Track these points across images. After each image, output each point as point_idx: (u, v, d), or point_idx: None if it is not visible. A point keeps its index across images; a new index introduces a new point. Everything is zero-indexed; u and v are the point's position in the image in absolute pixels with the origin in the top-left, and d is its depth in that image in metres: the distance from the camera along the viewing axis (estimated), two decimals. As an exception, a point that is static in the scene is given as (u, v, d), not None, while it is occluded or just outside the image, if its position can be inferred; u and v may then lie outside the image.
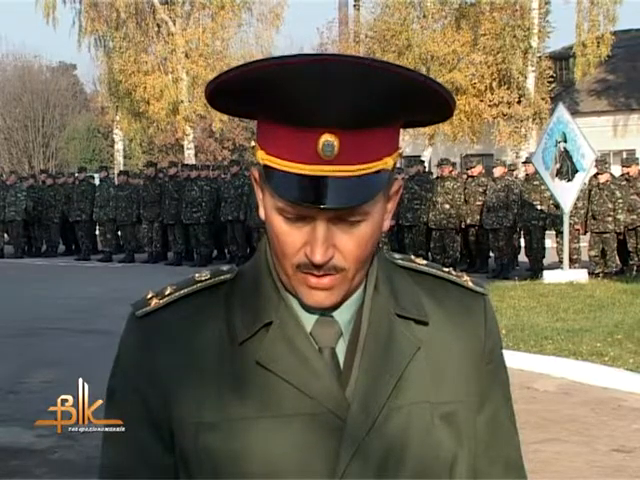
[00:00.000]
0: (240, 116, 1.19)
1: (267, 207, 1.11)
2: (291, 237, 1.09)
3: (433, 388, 1.16)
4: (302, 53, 1.05)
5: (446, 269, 1.26)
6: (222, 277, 1.20)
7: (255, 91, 1.06)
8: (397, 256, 1.25)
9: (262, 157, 1.10)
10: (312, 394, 1.10)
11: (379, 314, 1.15)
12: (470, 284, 1.25)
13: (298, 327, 1.13)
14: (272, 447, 1.10)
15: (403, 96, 1.06)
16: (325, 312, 1.14)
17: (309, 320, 1.14)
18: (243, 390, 1.12)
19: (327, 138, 1.04)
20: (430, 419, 1.15)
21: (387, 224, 1.15)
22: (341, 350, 1.14)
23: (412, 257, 1.26)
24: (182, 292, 1.19)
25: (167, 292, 1.19)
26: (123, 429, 1.18)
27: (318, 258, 1.07)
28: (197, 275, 1.21)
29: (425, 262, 1.26)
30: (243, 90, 1.07)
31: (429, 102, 1.09)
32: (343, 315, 1.15)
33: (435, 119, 1.16)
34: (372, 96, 1.04)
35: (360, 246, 1.10)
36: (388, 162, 1.09)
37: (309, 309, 1.14)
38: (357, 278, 1.13)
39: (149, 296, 1.20)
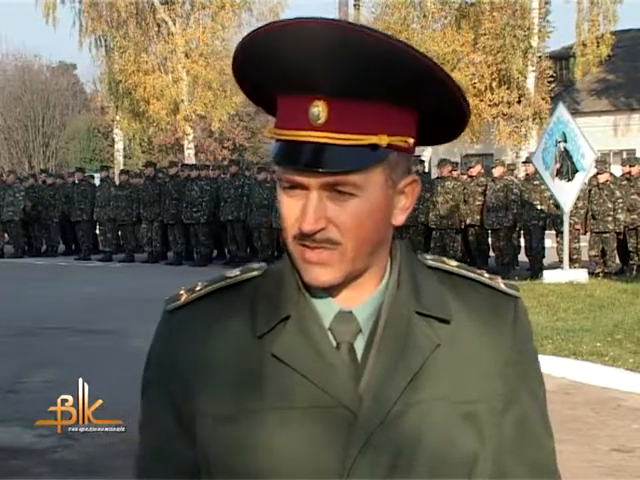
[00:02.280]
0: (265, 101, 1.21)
1: (278, 186, 1.15)
2: (289, 209, 1.12)
3: (453, 386, 1.16)
4: (287, 18, 1.09)
5: (479, 270, 1.27)
6: (250, 274, 1.22)
7: (257, 63, 1.12)
8: (428, 257, 1.26)
9: (270, 131, 1.15)
10: (325, 387, 1.12)
11: (398, 311, 1.16)
12: (502, 286, 1.25)
13: (316, 322, 1.15)
14: (283, 440, 1.12)
15: (386, 64, 1.07)
16: (344, 308, 1.16)
17: (328, 315, 1.16)
18: (259, 383, 1.14)
19: (315, 104, 1.08)
20: (449, 417, 1.15)
21: (400, 219, 1.17)
22: (360, 346, 1.15)
23: (443, 258, 1.27)
24: (211, 287, 1.22)
25: (197, 288, 1.22)
26: (151, 418, 1.22)
27: (306, 226, 1.09)
28: (227, 272, 1.24)
29: (456, 263, 1.26)
30: (250, 65, 1.13)
31: (423, 83, 1.09)
32: (363, 312, 1.16)
33: (448, 114, 1.16)
34: (355, 61, 1.06)
35: (355, 222, 1.11)
36: (383, 139, 1.10)
37: (315, 293, 1.16)
38: (359, 260, 1.13)
39: (180, 292, 1.23)
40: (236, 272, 1.23)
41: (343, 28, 1.06)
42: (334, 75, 1.07)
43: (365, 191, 1.11)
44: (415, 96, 1.11)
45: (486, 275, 1.26)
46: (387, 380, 1.13)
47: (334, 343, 1.15)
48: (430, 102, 1.13)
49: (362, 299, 1.16)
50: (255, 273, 1.22)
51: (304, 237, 1.11)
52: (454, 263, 1.26)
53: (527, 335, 1.25)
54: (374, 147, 1.10)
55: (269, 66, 1.10)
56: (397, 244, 1.21)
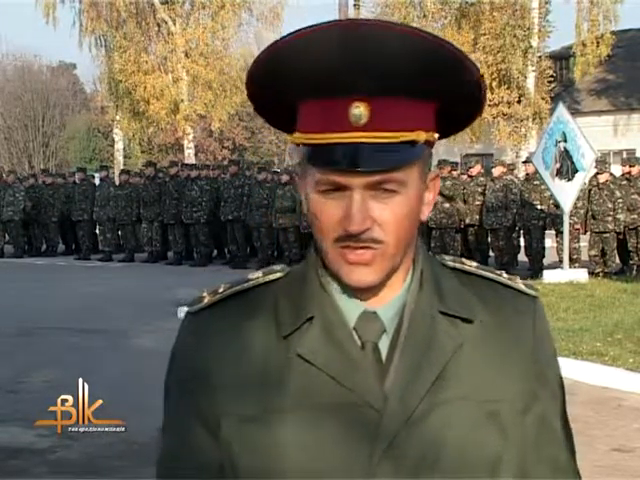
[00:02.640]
0: (281, 116, 1.21)
1: (308, 192, 1.14)
2: (329, 212, 1.12)
3: (477, 385, 1.16)
4: (316, 23, 1.09)
5: (498, 271, 1.28)
6: (272, 276, 1.23)
7: (282, 73, 1.11)
8: (447, 258, 1.27)
9: (299, 138, 1.14)
10: (350, 386, 1.12)
11: (421, 311, 1.17)
12: (521, 286, 1.26)
13: (341, 321, 1.15)
14: (309, 438, 1.12)
15: (426, 62, 1.09)
16: (368, 308, 1.16)
17: (352, 315, 1.16)
18: (284, 382, 1.14)
19: (356, 105, 1.09)
20: (473, 416, 1.15)
21: (426, 214, 1.19)
22: (384, 346, 1.16)
23: (463, 259, 1.28)
24: (234, 289, 1.22)
25: (220, 290, 1.23)
26: (176, 422, 1.22)
27: (354, 227, 1.09)
28: (250, 274, 1.24)
29: (476, 264, 1.27)
30: (272, 76, 1.12)
31: (454, 73, 1.11)
32: (387, 312, 1.17)
33: (467, 105, 1.17)
34: (394, 59, 1.07)
35: (397, 219, 1.12)
36: (421, 135, 1.12)
37: (352, 292, 1.16)
38: (397, 258, 1.15)
39: (203, 294, 1.24)
40: (259, 274, 1.24)
41: (383, 26, 1.07)
42: (374, 74, 1.07)
43: (406, 188, 1.12)
44: (440, 88, 1.13)
45: (505, 275, 1.27)
46: (412, 379, 1.14)
47: (359, 343, 1.15)
48: (453, 92, 1.14)
49: (386, 299, 1.17)
50: (278, 275, 1.23)
51: (348, 239, 1.11)
52: (474, 264, 1.27)
53: (546, 335, 1.26)
54: (413, 143, 1.12)
55: (301, 72, 1.10)
56: (419, 244, 1.22)
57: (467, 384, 1.16)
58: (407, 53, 1.07)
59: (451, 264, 1.25)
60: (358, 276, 1.13)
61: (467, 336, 1.18)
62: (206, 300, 1.22)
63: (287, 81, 1.12)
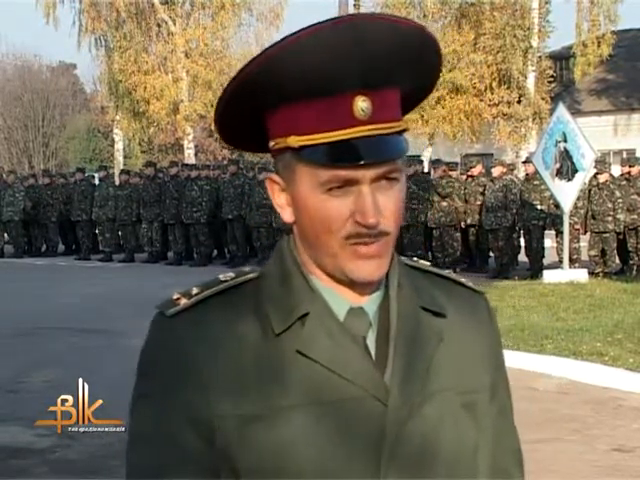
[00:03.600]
0: (249, 138, 1.22)
1: (304, 193, 1.14)
2: (337, 210, 1.12)
3: (457, 377, 1.20)
4: (309, 25, 1.09)
5: (447, 271, 1.32)
6: (247, 276, 1.22)
7: (272, 81, 1.10)
8: (403, 257, 1.28)
9: (297, 141, 1.13)
10: (354, 379, 1.13)
11: (407, 306, 1.19)
12: (471, 284, 1.31)
13: (333, 317, 1.16)
14: (317, 433, 1.12)
15: (413, 49, 1.12)
16: (354, 304, 1.18)
17: (341, 312, 1.17)
18: (285, 380, 1.13)
19: (361, 99, 1.10)
20: (457, 407, 1.19)
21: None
22: (371, 340, 1.17)
23: (414, 258, 1.31)
24: (210, 291, 1.20)
25: (194, 292, 1.20)
26: (161, 430, 1.15)
27: (371, 219, 1.10)
28: (222, 276, 1.23)
29: (428, 263, 1.31)
30: (260, 85, 1.11)
31: (433, 58, 1.16)
32: (371, 307, 1.18)
33: (428, 87, 1.21)
34: (389, 50, 1.09)
35: (398, 208, 1.15)
36: (406, 122, 1.16)
37: (339, 290, 1.17)
38: (394, 247, 1.18)
39: (176, 296, 1.20)
40: (231, 274, 1.23)
41: (372, 18, 1.09)
42: (373, 67, 1.09)
43: (402, 175, 1.15)
44: (415, 74, 1.16)
45: (453, 275, 1.31)
46: (408, 372, 1.16)
47: (351, 337, 1.16)
48: (425, 76, 1.18)
49: (368, 294, 1.18)
50: (251, 276, 1.22)
51: (361, 234, 1.12)
52: (427, 263, 1.31)
53: (498, 330, 1.32)
54: (403, 132, 1.16)
55: (300, 74, 1.09)
56: None
57: (450, 376, 1.20)
58: (397, 43, 1.09)
59: (410, 262, 1.28)
60: (370, 270, 1.14)
61: (443, 330, 1.21)
62: (182, 302, 1.19)
63: (278, 87, 1.11)
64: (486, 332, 1.27)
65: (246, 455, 1.13)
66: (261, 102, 1.14)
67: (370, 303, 1.19)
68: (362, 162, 1.10)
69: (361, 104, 1.10)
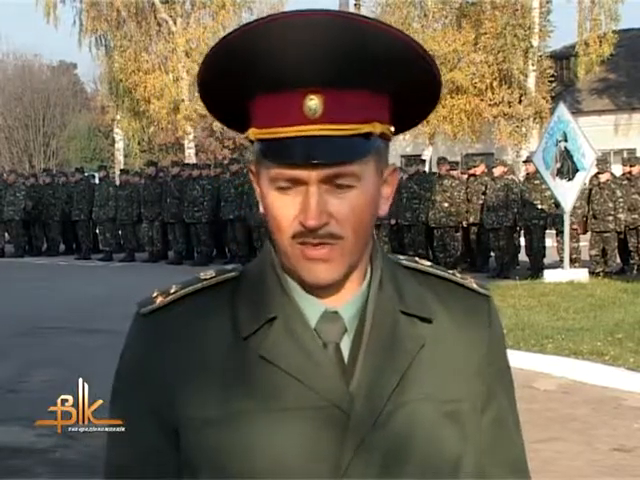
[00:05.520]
0: (231, 113, 1.19)
1: (263, 188, 1.13)
2: (285, 208, 1.10)
3: (437, 385, 1.16)
4: (263, 16, 1.07)
5: (450, 271, 1.27)
6: (227, 275, 1.20)
7: (237, 66, 1.09)
8: (401, 257, 1.26)
9: (254, 133, 1.12)
10: (316, 388, 1.10)
11: (383, 310, 1.15)
12: (474, 285, 1.26)
13: (302, 322, 1.13)
14: (276, 441, 1.10)
15: (379, 52, 1.07)
16: (329, 307, 1.14)
17: (314, 315, 1.14)
18: (247, 384, 1.11)
19: (310, 97, 1.07)
20: (435, 416, 1.14)
21: (384, 208, 1.16)
22: (346, 346, 1.14)
23: (416, 258, 1.27)
24: (187, 290, 1.19)
25: (172, 290, 1.19)
26: (127, 428, 1.18)
27: (311, 221, 1.07)
28: (202, 274, 1.21)
29: (429, 263, 1.26)
30: (224, 72, 1.10)
31: (409, 65, 1.10)
32: (348, 311, 1.15)
33: (421, 100, 1.16)
34: (348, 49, 1.05)
35: (355, 213, 1.09)
36: (376, 127, 1.10)
37: (311, 291, 1.14)
38: (356, 254, 1.13)
39: (154, 295, 1.20)
40: (211, 273, 1.21)
41: (333, 17, 1.05)
42: (328, 65, 1.06)
43: (362, 181, 1.10)
44: (394, 79, 1.11)
45: (458, 275, 1.26)
46: (378, 380, 1.12)
47: (320, 343, 1.13)
48: (407, 86, 1.13)
49: (346, 298, 1.15)
50: (232, 275, 1.20)
51: (306, 234, 1.09)
52: (427, 263, 1.26)
53: (501, 334, 1.26)
54: (368, 136, 1.10)
55: (253, 66, 1.08)
56: (377, 243, 1.20)
57: (429, 384, 1.15)
58: (359, 44, 1.05)
59: (406, 263, 1.24)
60: (317, 273, 1.10)
61: (427, 336, 1.16)
62: (158, 301, 1.18)
63: (240, 76, 1.10)
64: (482, 337, 1.22)
65: (207, 458, 1.12)
66: (233, 90, 1.13)
67: (347, 306, 1.15)
68: (302, 162, 1.06)
69: (310, 103, 1.07)
